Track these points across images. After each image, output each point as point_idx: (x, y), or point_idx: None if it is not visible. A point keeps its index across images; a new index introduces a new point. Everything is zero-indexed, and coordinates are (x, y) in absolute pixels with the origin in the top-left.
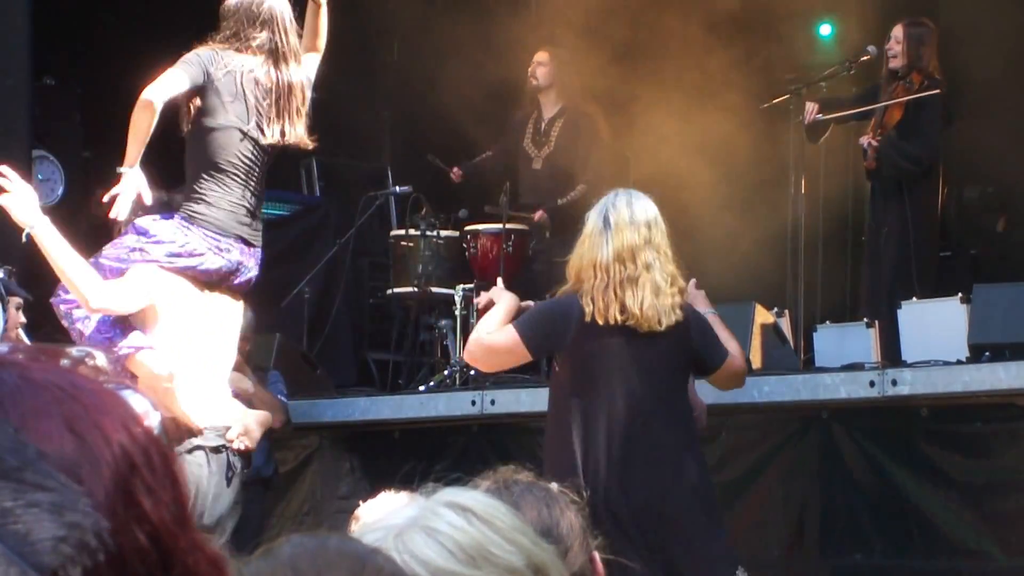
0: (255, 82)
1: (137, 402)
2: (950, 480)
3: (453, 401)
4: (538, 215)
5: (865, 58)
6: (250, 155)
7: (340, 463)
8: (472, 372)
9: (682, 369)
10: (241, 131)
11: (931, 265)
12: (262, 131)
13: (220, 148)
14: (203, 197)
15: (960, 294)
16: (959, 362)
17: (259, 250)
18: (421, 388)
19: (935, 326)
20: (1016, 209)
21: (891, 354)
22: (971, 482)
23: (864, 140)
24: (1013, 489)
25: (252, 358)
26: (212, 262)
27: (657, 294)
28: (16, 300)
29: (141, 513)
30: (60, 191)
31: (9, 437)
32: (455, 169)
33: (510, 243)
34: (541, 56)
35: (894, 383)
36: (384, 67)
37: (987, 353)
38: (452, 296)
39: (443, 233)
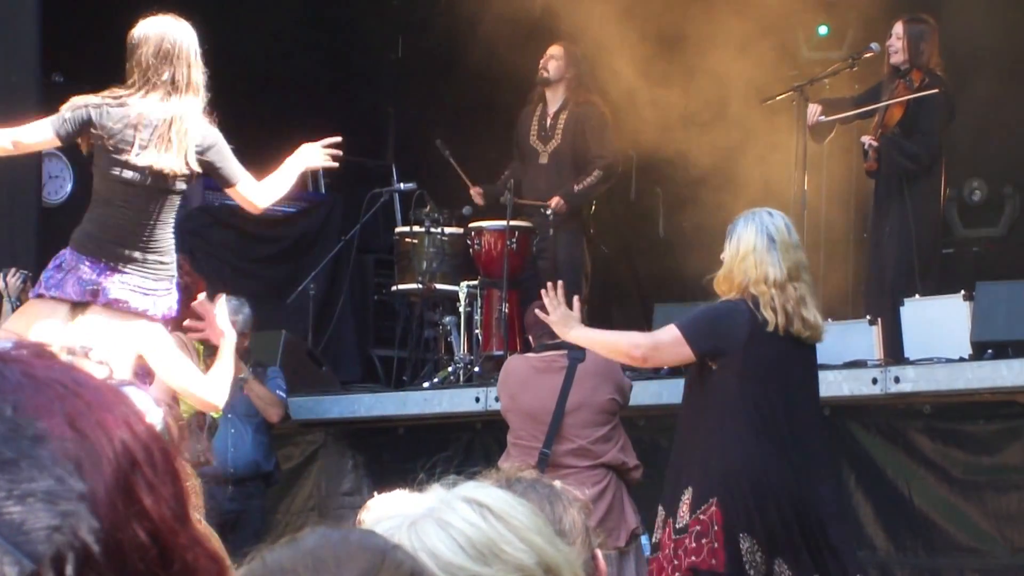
0: (148, 123)
1: (139, 399)
2: (952, 477)
3: (457, 398)
4: (554, 202)
5: (868, 55)
6: (123, 183)
7: (344, 459)
8: (476, 369)
9: None
10: (119, 162)
11: (933, 262)
12: (133, 157)
13: (101, 178)
14: (84, 221)
15: (963, 291)
16: (962, 359)
17: (127, 274)
18: (425, 385)
19: (938, 323)
20: (1018, 206)
21: (894, 351)
22: (973, 479)
23: (865, 140)
24: (1015, 486)
25: (253, 354)
26: (67, 281)
27: (815, 310)
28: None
29: (141, 510)
30: (69, 188)
31: (5, 426)
32: (476, 189)
33: (514, 240)
34: (555, 50)
35: (897, 380)
36: (389, 63)
37: (990, 351)
38: (456, 293)
39: (447, 230)
